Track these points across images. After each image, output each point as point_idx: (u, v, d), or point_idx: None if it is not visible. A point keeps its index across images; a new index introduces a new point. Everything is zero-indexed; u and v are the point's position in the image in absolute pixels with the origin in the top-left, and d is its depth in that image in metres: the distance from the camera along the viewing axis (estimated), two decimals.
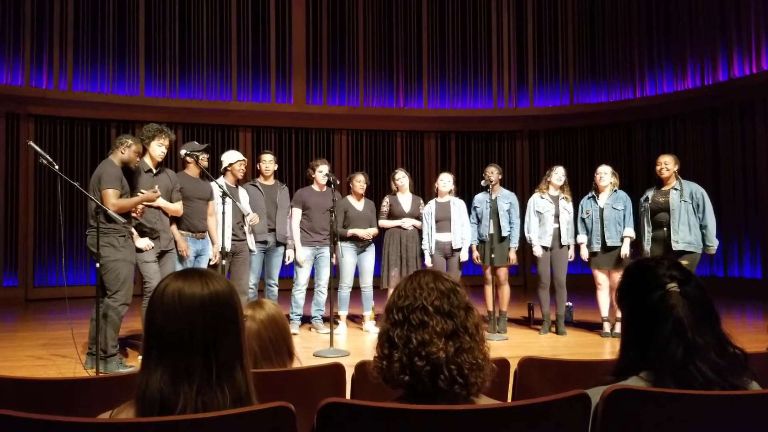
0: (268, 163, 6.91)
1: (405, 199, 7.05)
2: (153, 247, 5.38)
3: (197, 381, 1.37)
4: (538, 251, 6.78)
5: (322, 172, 6.90)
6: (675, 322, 1.64)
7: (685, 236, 6.08)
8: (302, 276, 6.86)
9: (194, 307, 1.41)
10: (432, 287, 1.60)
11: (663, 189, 6.30)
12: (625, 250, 6.44)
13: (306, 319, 7.11)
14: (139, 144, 5.35)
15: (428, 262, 6.76)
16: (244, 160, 6.52)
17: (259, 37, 11.51)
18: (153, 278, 5.34)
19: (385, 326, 1.62)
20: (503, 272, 6.88)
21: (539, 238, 6.76)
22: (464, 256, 6.82)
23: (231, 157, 6.47)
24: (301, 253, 6.80)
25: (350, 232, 6.87)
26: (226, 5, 11.33)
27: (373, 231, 6.96)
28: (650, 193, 6.39)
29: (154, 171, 5.55)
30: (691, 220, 6.12)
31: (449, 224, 6.79)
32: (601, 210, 6.60)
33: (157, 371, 1.37)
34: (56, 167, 4.64)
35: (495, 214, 6.76)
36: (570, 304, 7.10)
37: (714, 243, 6.16)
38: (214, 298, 1.43)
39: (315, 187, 7.00)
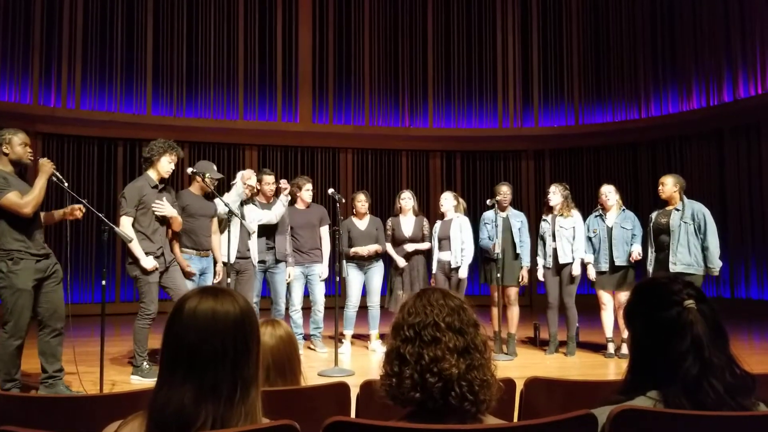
0: (272, 185, 6.71)
1: (407, 222, 7.02)
2: (158, 268, 5.37)
3: (224, 399, 1.38)
4: (540, 273, 6.79)
5: (309, 190, 6.88)
6: (694, 338, 1.61)
7: (683, 258, 5.99)
8: (296, 297, 6.74)
9: (228, 325, 1.42)
10: (442, 304, 1.60)
11: (666, 209, 6.27)
12: (635, 252, 6.34)
13: (307, 339, 7.08)
14: (17, 134, 4.61)
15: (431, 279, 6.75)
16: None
17: (265, 56, 11.59)
18: (153, 301, 5.34)
19: (394, 343, 1.60)
20: (513, 292, 6.80)
21: (543, 260, 6.76)
22: (462, 274, 6.72)
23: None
24: (292, 270, 6.73)
25: (352, 251, 6.89)
26: (233, 25, 11.44)
27: (374, 247, 6.91)
28: (654, 215, 6.37)
29: (160, 187, 5.55)
30: (692, 242, 6.01)
31: (449, 243, 6.79)
32: (610, 229, 6.55)
33: (183, 388, 1.37)
34: (66, 185, 4.64)
35: (508, 231, 6.76)
36: (576, 324, 7.04)
37: (716, 265, 6.01)
38: (246, 316, 1.45)
39: (299, 205, 6.91)
